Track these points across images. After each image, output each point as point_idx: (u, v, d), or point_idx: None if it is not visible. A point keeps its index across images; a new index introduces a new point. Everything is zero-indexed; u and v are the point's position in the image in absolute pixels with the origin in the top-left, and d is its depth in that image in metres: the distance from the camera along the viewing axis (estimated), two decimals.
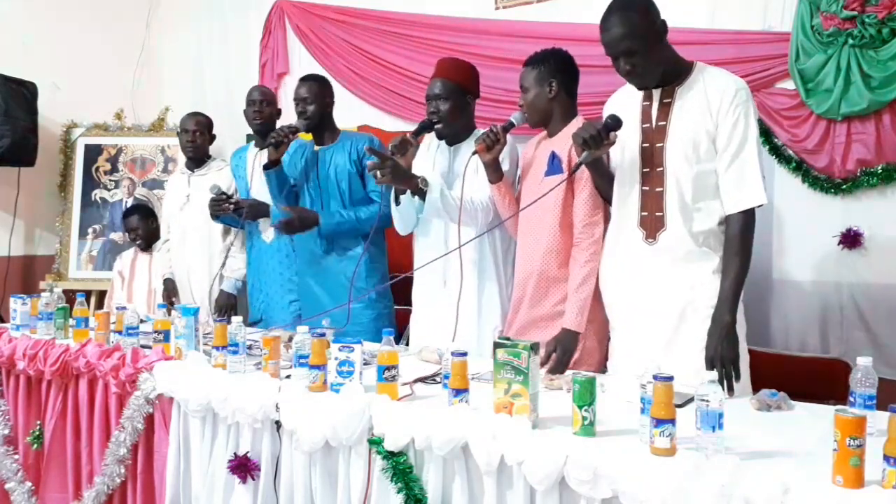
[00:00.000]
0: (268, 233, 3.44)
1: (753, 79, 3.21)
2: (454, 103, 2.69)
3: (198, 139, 3.72)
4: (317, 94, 3.14)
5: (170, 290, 3.77)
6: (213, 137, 3.84)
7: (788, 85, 3.16)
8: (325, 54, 4.56)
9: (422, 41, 4.13)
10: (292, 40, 4.76)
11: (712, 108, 2.05)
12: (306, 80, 3.22)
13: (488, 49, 3.78)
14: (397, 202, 2.73)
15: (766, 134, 3.21)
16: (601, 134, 2.10)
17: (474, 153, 2.49)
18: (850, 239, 3.04)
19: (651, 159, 2.14)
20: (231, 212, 3.36)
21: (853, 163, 3.03)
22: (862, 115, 2.99)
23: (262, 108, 3.52)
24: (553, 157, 2.42)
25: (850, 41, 2.97)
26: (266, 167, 3.13)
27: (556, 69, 2.48)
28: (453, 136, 2.77)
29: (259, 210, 3.38)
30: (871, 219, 3.02)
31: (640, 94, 2.19)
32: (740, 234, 2.04)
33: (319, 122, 3.16)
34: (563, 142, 2.42)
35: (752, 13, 3.24)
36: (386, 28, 4.29)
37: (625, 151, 2.21)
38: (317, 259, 3.12)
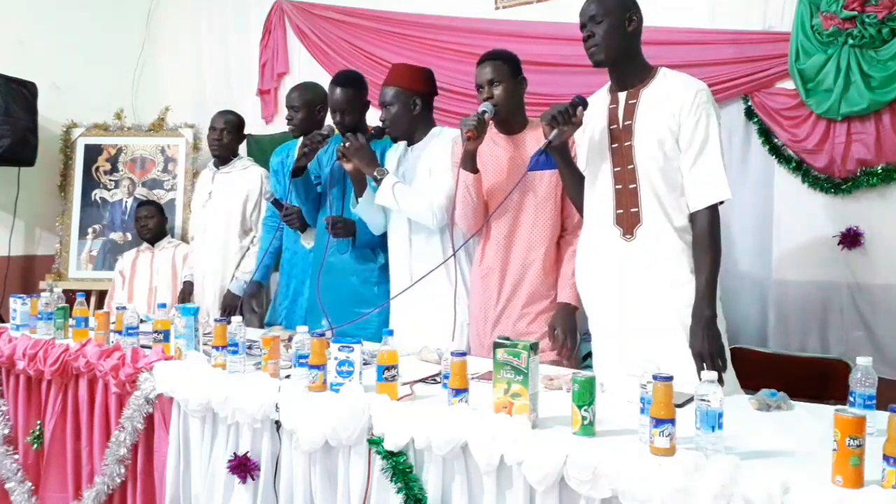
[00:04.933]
0: (307, 239, 3.27)
1: (753, 79, 3.22)
2: (399, 107, 2.73)
3: (224, 137, 3.71)
4: (352, 101, 2.92)
5: (186, 292, 3.76)
6: (242, 137, 3.83)
7: (788, 85, 3.16)
8: (325, 54, 4.56)
9: (422, 41, 4.13)
10: (292, 40, 4.77)
11: (674, 108, 2.13)
12: (339, 84, 2.94)
13: (488, 49, 3.77)
14: (355, 205, 2.81)
15: (766, 134, 3.22)
16: (569, 110, 2.18)
17: (467, 139, 2.43)
18: (850, 239, 3.04)
19: (621, 158, 2.20)
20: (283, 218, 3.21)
21: (853, 163, 3.03)
22: (862, 115, 2.98)
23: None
24: (540, 153, 2.42)
25: (850, 41, 2.97)
26: (293, 174, 3.01)
27: (518, 65, 2.56)
28: (409, 137, 2.82)
29: (304, 220, 3.21)
30: (871, 219, 3.02)
31: (608, 98, 2.26)
32: (708, 231, 2.10)
33: (354, 129, 2.92)
34: (538, 140, 2.42)
35: (752, 13, 3.24)
36: (386, 28, 4.30)
37: (595, 153, 2.27)
38: (331, 263, 3.03)
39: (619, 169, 2.21)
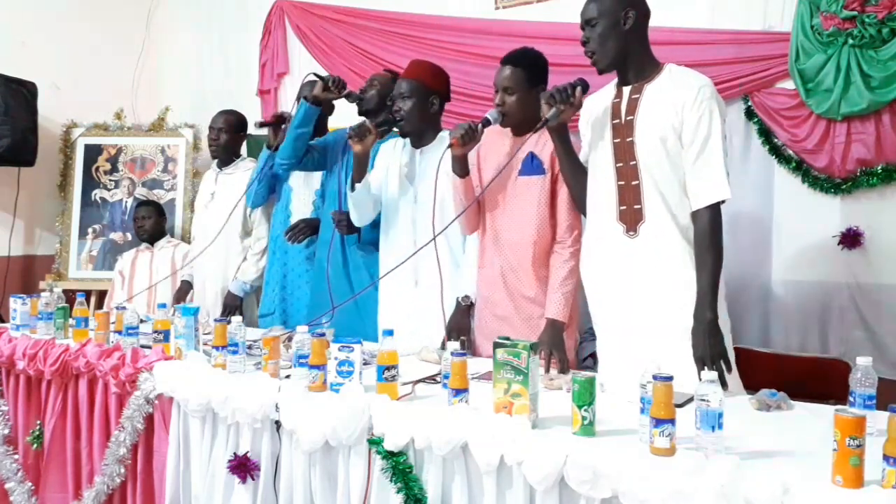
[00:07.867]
0: None
1: (753, 79, 3.22)
2: (416, 102, 2.69)
3: (220, 137, 3.67)
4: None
5: (183, 291, 3.75)
6: (243, 137, 3.80)
7: (788, 85, 3.16)
8: (325, 54, 4.56)
9: (422, 41, 4.13)
10: (292, 40, 4.77)
11: (677, 104, 2.10)
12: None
13: (488, 49, 3.77)
14: (352, 189, 2.76)
15: (766, 134, 3.22)
16: (567, 90, 2.17)
17: (449, 146, 2.43)
18: (850, 239, 3.04)
19: (623, 154, 2.18)
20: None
21: (853, 163, 3.03)
22: (862, 115, 2.98)
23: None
24: (532, 157, 2.41)
25: (850, 41, 2.97)
26: (314, 102, 2.97)
27: (541, 73, 2.47)
28: (417, 138, 2.77)
29: (313, 225, 3.27)
30: (871, 219, 3.02)
31: (612, 93, 2.24)
32: (709, 230, 2.07)
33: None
34: (541, 143, 2.42)
35: (752, 13, 3.25)
36: (386, 28, 4.30)
37: (598, 148, 2.25)
38: (338, 260, 3.05)
39: (621, 164, 2.19)
